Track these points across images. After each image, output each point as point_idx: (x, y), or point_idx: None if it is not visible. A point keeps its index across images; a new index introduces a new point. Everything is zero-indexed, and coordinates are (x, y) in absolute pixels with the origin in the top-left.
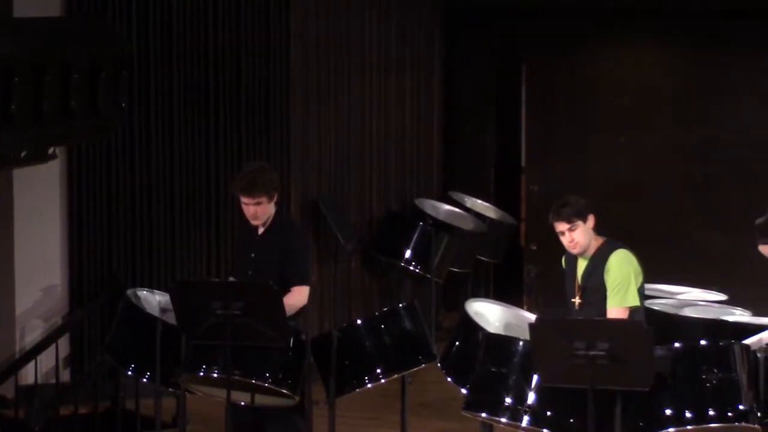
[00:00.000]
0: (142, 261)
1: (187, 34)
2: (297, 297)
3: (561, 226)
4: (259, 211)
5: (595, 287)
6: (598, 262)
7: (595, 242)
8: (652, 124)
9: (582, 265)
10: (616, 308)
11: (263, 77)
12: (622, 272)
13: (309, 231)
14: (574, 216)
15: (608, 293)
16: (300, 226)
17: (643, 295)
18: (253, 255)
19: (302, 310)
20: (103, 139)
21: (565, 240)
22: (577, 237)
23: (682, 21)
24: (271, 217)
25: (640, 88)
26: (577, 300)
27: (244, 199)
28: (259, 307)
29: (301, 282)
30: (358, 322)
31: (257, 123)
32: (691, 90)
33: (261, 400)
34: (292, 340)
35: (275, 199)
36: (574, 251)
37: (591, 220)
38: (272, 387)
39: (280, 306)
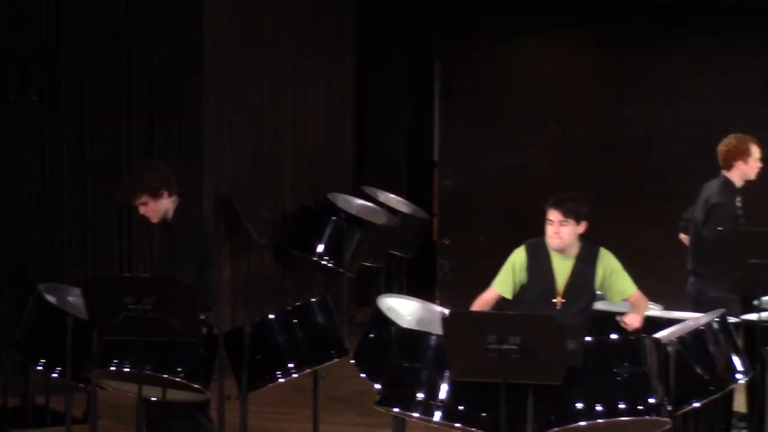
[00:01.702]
0: (53, 255)
1: (101, 22)
2: None
3: (554, 215)
4: (149, 211)
5: (582, 288)
6: (586, 260)
7: (577, 241)
8: (564, 119)
9: (565, 264)
10: (636, 291)
11: (175, 71)
12: (619, 264)
13: (222, 226)
14: (571, 214)
15: (621, 283)
16: (200, 219)
17: None
18: (159, 250)
19: (211, 305)
20: (13, 133)
21: (550, 229)
22: (564, 233)
23: (594, 17)
24: (171, 212)
25: (553, 83)
26: (559, 299)
27: (129, 202)
28: (171, 302)
29: (181, 273)
30: (271, 316)
31: (169, 118)
32: (602, 86)
33: (173, 395)
34: (204, 335)
35: (165, 195)
36: (554, 244)
37: (583, 226)
38: (184, 382)
39: (191, 300)
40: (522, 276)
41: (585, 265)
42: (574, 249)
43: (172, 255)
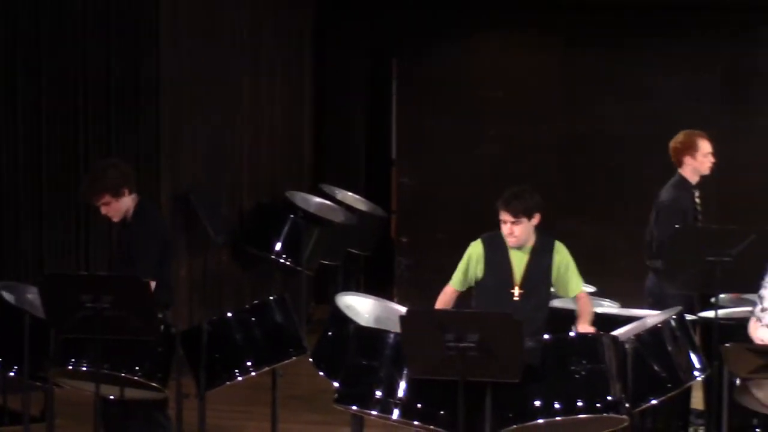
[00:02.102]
0: (8, 252)
1: (56, 19)
2: None
3: (506, 216)
4: (109, 210)
5: (540, 279)
6: (542, 253)
7: (534, 233)
8: (520, 117)
9: (521, 256)
10: (582, 292)
11: (133, 67)
12: (571, 258)
13: (179, 224)
14: (521, 213)
15: (568, 281)
16: (159, 217)
17: None
18: (117, 249)
19: (169, 303)
20: None
21: (505, 229)
22: (518, 232)
23: (554, 15)
24: (131, 210)
25: (512, 82)
26: (517, 291)
27: (90, 202)
28: (129, 300)
29: (143, 276)
30: (229, 314)
31: (127, 114)
32: (562, 84)
33: (131, 393)
34: (162, 334)
35: (126, 193)
36: (510, 243)
37: (536, 218)
38: (142, 380)
39: (150, 299)
40: (478, 269)
41: (541, 257)
42: (531, 241)
43: (133, 254)
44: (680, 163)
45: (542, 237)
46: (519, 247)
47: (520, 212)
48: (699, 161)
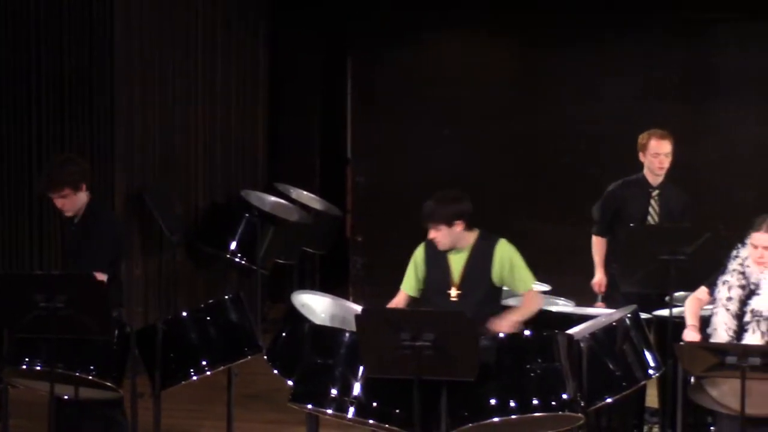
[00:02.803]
0: None
1: (10, 17)
2: None
3: (426, 224)
4: (66, 204)
5: (478, 279)
6: (481, 253)
7: (470, 235)
8: (476, 116)
9: (459, 258)
10: (530, 291)
11: (86, 65)
12: (518, 257)
13: (133, 223)
14: (440, 221)
15: (515, 280)
16: (113, 214)
17: None
18: (69, 246)
19: (122, 302)
20: None
21: (430, 234)
22: (440, 237)
23: (508, 15)
24: (85, 206)
25: (466, 81)
26: (454, 291)
27: (49, 195)
28: (83, 299)
29: (95, 267)
30: (184, 314)
31: (80, 112)
32: (516, 83)
33: (85, 393)
34: (116, 333)
35: (84, 188)
36: (439, 247)
37: (458, 225)
38: (96, 380)
39: (104, 298)
40: (422, 272)
41: (480, 256)
42: (467, 241)
43: (86, 249)
44: (641, 162)
45: (483, 236)
46: (454, 249)
47: (438, 221)
48: (648, 160)
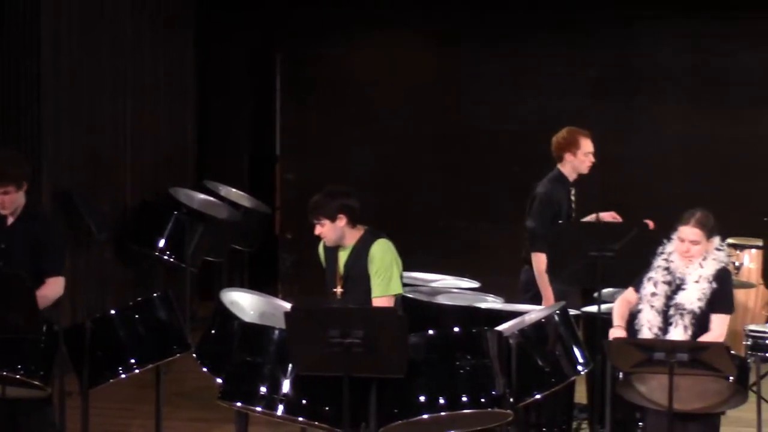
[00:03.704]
0: None
1: None
2: (53, 288)
3: (311, 218)
4: (7, 201)
5: (358, 277)
6: (360, 252)
7: (356, 232)
8: (406, 114)
9: (343, 255)
10: (381, 297)
11: (12, 64)
12: (384, 261)
13: (61, 221)
14: (321, 216)
15: (372, 283)
16: (52, 216)
17: (401, 284)
18: (2, 245)
19: (57, 301)
20: None
21: (316, 230)
22: (325, 232)
23: (437, 13)
24: (21, 207)
25: (396, 78)
26: (338, 289)
27: None
28: (10, 297)
29: (57, 273)
30: (112, 312)
31: (8, 112)
32: (445, 81)
33: (13, 391)
34: (44, 331)
35: (25, 188)
36: (325, 242)
37: (341, 220)
38: (23, 378)
39: (32, 297)
40: (324, 266)
41: (359, 255)
42: (354, 239)
43: (49, 255)
44: (560, 159)
45: (366, 235)
46: (341, 247)
47: (320, 215)
48: (579, 159)
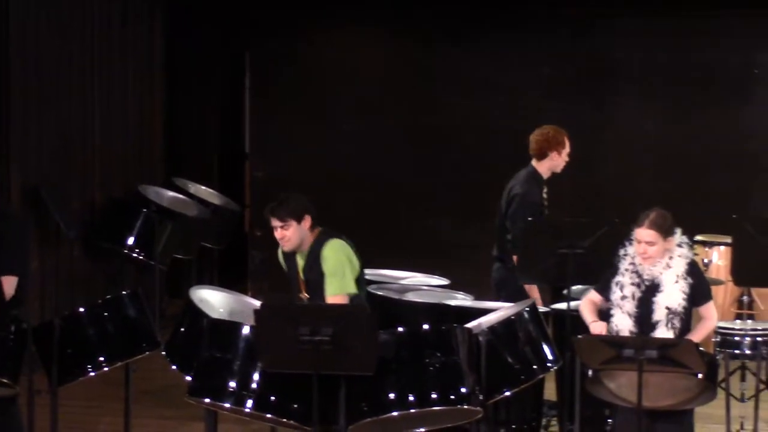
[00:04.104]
0: None
1: None
2: (5, 287)
3: (274, 222)
4: None
5: (316, 281)
6: (315, 255)
7: (312, 236)
8: (375, 111)
9: (301, 260)
10: (334, 296)
11: None
12: (336, 260)
13: (30, 221)
14: (288, 216)
15: (325, 282)
16: (19, 215)
17: (363, 284)
18: None
19: (22, 299)
20: None
21: (277, 235)
22: (289, 234)
23: (404, 10)
24: None
25: (364, 75)
26: (304, 295)
27: None
28: None
29: (11, 272)
30: (81, 310)
31: None
32: (412, 78)
33: None
34: (12, 329)
35: None
36: (285, 248)
37: (307, 221)
38: None
39: (0, 294)
40: (286, 271)
41: (315, 258)
42: (310, 242)
43: (5, 253)
44: (542, 156)
45: (319, 237)
46: (297, 251)
47: (286, 215)
48: (562, 158)
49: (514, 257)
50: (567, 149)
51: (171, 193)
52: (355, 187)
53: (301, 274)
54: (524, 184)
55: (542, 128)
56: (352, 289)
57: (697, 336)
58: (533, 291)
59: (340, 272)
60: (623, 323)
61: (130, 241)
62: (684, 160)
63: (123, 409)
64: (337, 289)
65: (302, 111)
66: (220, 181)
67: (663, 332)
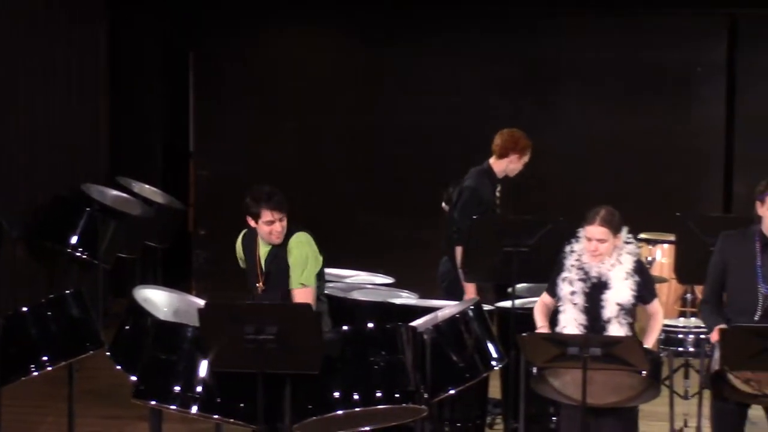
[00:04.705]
0: None
1: None
2: None
3: (274, 215)
4: None
5: (278, 272)
6: (281, 245)
7: None
8: (321, 110)
9: (264, 251)
10: (300, 289)
11: None
12: (302, 252)
13: None
14: (286, 209)
15: (291, 275)
16: None
17: (323, 278)
18: None
19: None
20: None
21: (274, 228)
22: (283, 226)
23: (353, 9)
24: None
25: (310, 75)
26: (260, 285)
27: None
28: None
29: None
30: (24, 309)
31: None
32: (361, 77)
33: None
34: None
35: None
36: (277, 241)
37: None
38: None
39: None
40: (244, 263)
41: (278, 250)
42: None
43: None
44: (503, 155)
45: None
46: (259, 243)
47: (286, 209)
48: (520, 164)
49: (457, 248)
50: (526, 159)
51: (115, 192)
52: (299, 186)
53: (263, 266)
54: (476, 179)
55: (512, 130)
56: (313, 282)
57: (653, 335)
58: (470, 289)
59: (305, 264)
60: (574, 317)
61: (74, 240)
62: (628, 159)
63: (67, 409)
64: (299, 281)
65: (247, 110)
66: (164, 180)
67: (615, 329)
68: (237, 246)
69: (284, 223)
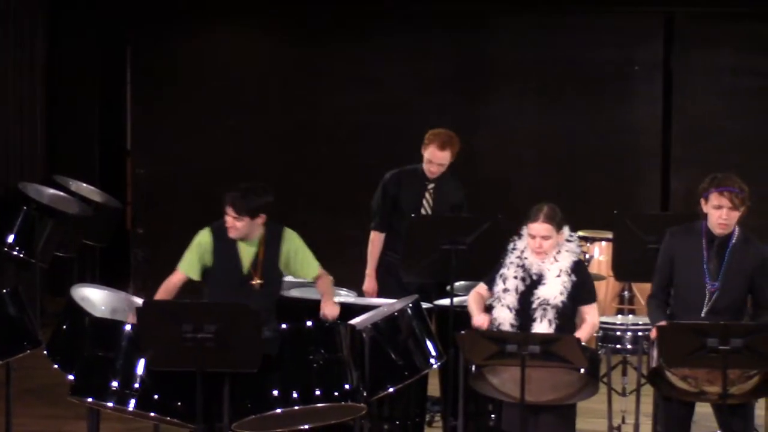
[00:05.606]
0: None
1: None
2: None
3: (229, 212)
4: None
5: (273, 267)
6: (272, 242)
7: (261, 227)
8: (258, 107)
9: (250, 247)
10: (321, 273)
11: None
12: (302, 243)
13: None
14: (244, 212)
15: (303, 263)
16: None
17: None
18: None
19: None
20: None
21: (228, 221)
22: (239, 226)
23: (288, 5)
24: None
25: (246, 71)
26: (257, 281)
27: None
28: None
29: None
30: None
31: None
32: (295, 74)
33: None
34: None
35: None
36: (230, 235)
37: (261, 218)
38: None
39: None
40: (208, 258)
41: (272, 246)
42: (258, 234)
43: None
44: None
45: (271, 227)
46: (245, 240)
47: (243, 211)
48: (427, 160)
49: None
50: (427, 156)
51: (51, 191)
52: (235, 182)
53: (249, 261)
54: (392, 172)
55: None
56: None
57: (581, 336)
58: (371, 269)
59: (310, 252)
60: (503, 316)
61: (10, 239)
62: (565, 157)
63: (4, 408)
64: (317, 267)
65: (184, 107)
66: (101, 179)
67: (540, 326)
68: (204, 236)
69: (239, 223)
